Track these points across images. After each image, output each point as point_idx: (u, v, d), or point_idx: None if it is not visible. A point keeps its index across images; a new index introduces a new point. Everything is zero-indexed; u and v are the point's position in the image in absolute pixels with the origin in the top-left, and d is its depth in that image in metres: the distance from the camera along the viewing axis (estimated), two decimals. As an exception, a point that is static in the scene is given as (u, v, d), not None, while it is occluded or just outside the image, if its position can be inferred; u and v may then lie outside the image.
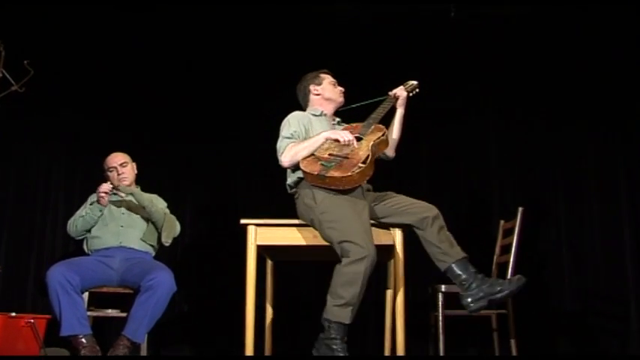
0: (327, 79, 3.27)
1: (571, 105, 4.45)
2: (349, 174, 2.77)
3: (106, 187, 3.53)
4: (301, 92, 3.30)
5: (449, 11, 4.39)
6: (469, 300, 2.78)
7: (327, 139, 2.96)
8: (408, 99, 3.25)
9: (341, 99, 3.26)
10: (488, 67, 4.53)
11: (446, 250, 2.83)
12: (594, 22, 4.42)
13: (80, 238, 3.69)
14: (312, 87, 3.25)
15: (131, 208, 3.70)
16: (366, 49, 4.54)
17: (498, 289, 2.75)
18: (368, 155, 2.85)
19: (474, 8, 4.42)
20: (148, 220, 3.66)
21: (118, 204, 3.70)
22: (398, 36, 4.54)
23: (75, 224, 3.63)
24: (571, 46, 4.48)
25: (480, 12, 4.44)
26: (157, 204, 3.71)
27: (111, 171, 3.70)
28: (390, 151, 3.26)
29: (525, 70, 4.52)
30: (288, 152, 2.97)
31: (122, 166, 3.69)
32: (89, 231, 3.64)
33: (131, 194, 3.65)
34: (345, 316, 2.69)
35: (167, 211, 3.74)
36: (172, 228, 3.64)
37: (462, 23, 4.47)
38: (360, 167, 2.79)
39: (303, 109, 3.28)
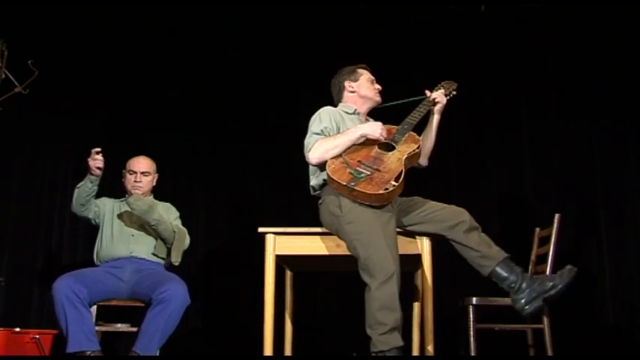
0: (365, 75, 3.14)
1: (611, 104, 4.31)
2: (380, 192, 2.69)
3: (97, 164, 3.32)
4: (335, 87, 3.18)
5: (479, 6, 4.34)
6: (523, 302, 2.65)
7: (362, 136, 2.85)
8: (446, 103, 3.11)
9: (377, 98, 3.13)
10: (521, 66, 4.42)
11: (485, 252, 2.72)
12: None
13: (81, 214, 3.55)
14: (347, 83, 3.14)
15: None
16: (394, 46, 4.48)
17: (550, 284, 2.64)
18: (401, 171, 2.77)
19: (505, 2, 4.35)
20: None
21: (130, 211, 3.58)
22: (425, 33, 4.50)
23: (73, 197, 3.51)
24: (611, 42, 4.34)
25: (511, 6, 4.35)
26: (169, 215, 3.61)
27: (130, 174, 3.60)
28: (423, 160, 3.13)
29: (561, 69, 4.41)
30: (318, 149, 2.85)
31: (143, 174, 3.60)
32: (84, 206, 3.48)
33: (139, 212, 3.49)
34: (397, 339, 2.58)
35: (178, 222, 3.64)
36: (181, 245, 3.55)
37: (493, 18, 4.40)
38: (392, 185, 2.71)
39: (332, 104, 3.15)
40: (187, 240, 3.59)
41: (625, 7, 4.23)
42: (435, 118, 3.08)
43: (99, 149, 3.33)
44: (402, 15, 4.48)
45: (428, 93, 3.08)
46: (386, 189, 2.69)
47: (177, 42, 4.55)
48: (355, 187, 2.68)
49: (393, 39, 4.49)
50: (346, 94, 3.12)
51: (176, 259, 3.49)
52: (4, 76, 3.15)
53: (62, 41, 4.36)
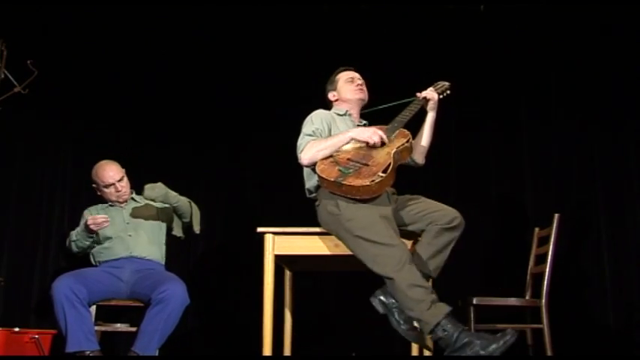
0: (342, 79, 3.15)
1: (611, 104, 4.27)
2: (367, 183, 2.67)
3: (101, 219, 3.36)
4: (326, 100, 3.21)
5: (479, 6, 4.32)
6: (399, 320, 2.64)
7: (352, 139, 2.85)
8: (440, 101, 3.09)
9: (359, 95, 3.12)
10: (520, 65, 4.39)
11: (426, 258, 2.71)
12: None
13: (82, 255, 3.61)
14: (330, 94, 3.19)
15: (133, 213, 3.61)
16: (392, 47, 4.46)
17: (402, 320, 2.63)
18: (389, 164, 2.74)
19: (505, 2, 4.32)
20: (156, 217, 3.59)
21: (123, 213, 3.61)
22: (425, 34, 4.48)
23: (70, 247, 3.57)
24: (611, 42, 4.30)
25: (511, 6, 4.32)
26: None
27: (108, 187, 3.56)
28: (419, 158, 3.13)
29: (561, 69, 4.37)
30: (309, 150, 2.85)
31: (120, 182, 3.57)
32: (88, 249, 3.55)
33: (161, 198, 3.52)
34: (443, 307, 2.51)
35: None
36: (197, 213, 3.62)
37: (492, 18, 4.38)
38: (380, 177, 2.68)
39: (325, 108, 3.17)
40: (196, 207, 3.63)
41: (625, 7, 4.21)
42: (430, 116, 3.07)
43: (107, 218, 3.36)
44: (402, 15, 4.47)
45: (418, 94, 3.08)
46: (373, 180, 2.66)
47: (177, 42, 4.53)
48: (343, 182, 2.66)
49: (393, 39, 4.48)
50: (334, 104, 3.16)
51: (197, 226, 3.56)
52: (3, 76, 3.14)
53: (62, 41, 4.34)
